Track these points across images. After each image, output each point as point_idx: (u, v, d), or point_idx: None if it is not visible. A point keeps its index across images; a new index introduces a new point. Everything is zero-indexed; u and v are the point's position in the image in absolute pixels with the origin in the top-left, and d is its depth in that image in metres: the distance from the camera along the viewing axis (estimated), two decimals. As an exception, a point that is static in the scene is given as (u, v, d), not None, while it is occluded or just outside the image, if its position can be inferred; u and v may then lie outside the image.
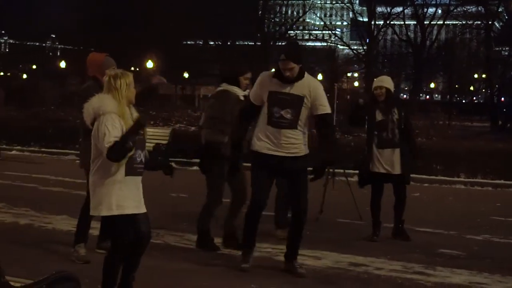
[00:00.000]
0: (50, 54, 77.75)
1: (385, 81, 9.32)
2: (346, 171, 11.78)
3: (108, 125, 5.44)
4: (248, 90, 7.94)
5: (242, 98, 7.96)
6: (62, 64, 62.18)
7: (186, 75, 61.96)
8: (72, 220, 9.72)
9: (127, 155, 5.47)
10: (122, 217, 5.56)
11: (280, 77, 7.01)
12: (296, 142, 7.04)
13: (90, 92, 6.14)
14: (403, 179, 9.19)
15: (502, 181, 16.57)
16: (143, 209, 5.72)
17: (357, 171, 12.39)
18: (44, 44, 76.07)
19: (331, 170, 11.34)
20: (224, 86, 8.20)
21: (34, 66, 65.34)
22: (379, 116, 9.12)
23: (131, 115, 5.63)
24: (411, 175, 9.69)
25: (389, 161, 9.07)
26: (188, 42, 61.51)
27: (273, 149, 7.02)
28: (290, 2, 68.45)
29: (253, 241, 7.33)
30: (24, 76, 61.72)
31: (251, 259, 7.31)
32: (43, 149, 22.16)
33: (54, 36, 77.18)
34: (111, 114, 5.49)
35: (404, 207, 9.32)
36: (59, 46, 78.10)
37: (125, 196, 5.54)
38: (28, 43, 69.16)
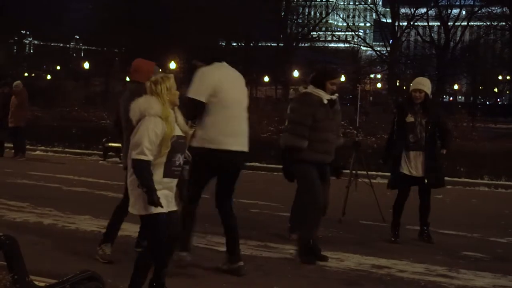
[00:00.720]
0: (74, 55, 78.18)
1: (426, 85, 9.28)
2: (369, 172, 11.73)
3: (150, 130, 5.51)
4: (337, 94, 7.88)
5: (325, 102, 7.73)
6: (86, 65, 62.55)
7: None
8: (95, 220, 9.81)
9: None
10: (158, 215, 5.60)
11: None
12: None
13: (134, 95, 6.12)
14: (430, 182, 9.17)
15: (526, 184, 16.44)
16: (174, 207, 5.82)
17: (379, 173, 12.33)
18: (68, 45, 76.50)
19: (353, 171, 11.30)
20: (309, 89, 7.90)
21: (58, 67, 65.74)
22: (409, 118, 9.11)
23: (176, 118, 5.74)
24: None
25: (415, 164, 9.08)
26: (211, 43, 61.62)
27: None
28: (313, 3, 68.39)
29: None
30: (48, 77, 62.10)
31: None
32: (66, 150, 22.33)
33: (78, 37, 77.61)
34: (156, 117, 5.57)
35: (428, 210, 9.29)
36: (83, 47, 78.53)
37: (161, 196, 5.55)
38: (52, 44, 69.56)
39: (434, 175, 9.18)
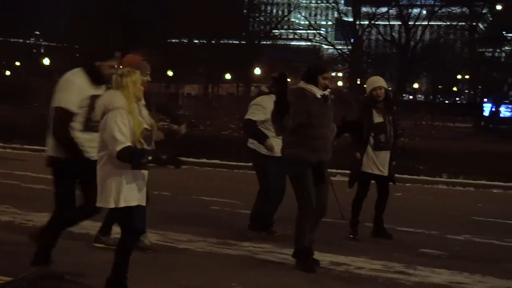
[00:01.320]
0: (34, 51, 77.28)
1: (383, 82, 9.34)
2: (329, 170, 11.75)
3: (118, 121, 5.61)
4: (329, 90, 7.71)
5: (319, 96, 7.52)
6: (46, 61, 61.86)
7: (170, 73, 61.77)
8: (53, 218, 9.69)
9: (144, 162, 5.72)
10: (129, 208, 5.73)
11: None
12: None
13: None
14: (391, 179, 9.32)
15: (483, 182, 16.67)
16: (143, 203, 5.92)
17: (339, 170, 12.31)
18: (28, 41, 75.64)
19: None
20: (301, 84, 7.65)
21: (18, 63, 64.91)
22: (377, 118, 9.11)
23: (140, 112, 5.85)
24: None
25: (383, 163, 9.15)
26: (173, 40, 61.37)
27: None
28: (275, 1, 68.56)
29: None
30: (7, 73, 61.33)
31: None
32: (25, 146, 22.05)
33: (38, 33, 76.76)
34: (120, 110, 5.65)
35: (385, 207, 9.40)
36: (43, 43, 77.69)
37: (131, 189, 5.73)
38: (11, 40, 68.70)
39: (394, 173, 9.37)
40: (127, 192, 5.72)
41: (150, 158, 5.75)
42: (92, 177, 6.03)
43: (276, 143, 8.56)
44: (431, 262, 8.04)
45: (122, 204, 5.71)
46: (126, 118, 5.64)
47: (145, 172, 5.89)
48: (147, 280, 6.64)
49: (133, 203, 5.76)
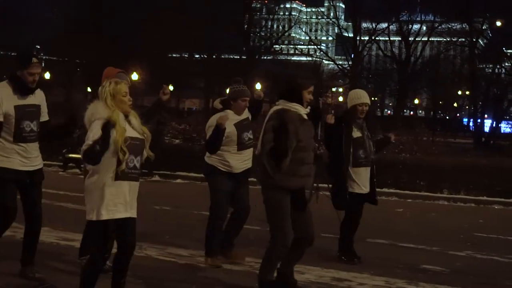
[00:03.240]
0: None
1: (368, 98, 8.90)
2: (330, 185, 11.71)
3: (94, 130, 5.50)
4: (309, 107, 6.84)
5: (305, 117, 6.71)
6: (47, 75, 61.87)
7: (171, 87, 61.78)
8: (54, 232, 9.69)
9: (99, 158, 5.49)
10: (110, 222, 5.59)
11: None
12: None
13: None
14: (373, 198, 8.91)
15: (484, 198, 16.67)
16: (133, 215, 5.75)
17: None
18: (29, 55, 75.75)
19: (315, 184, 11.28)
20: (282, 104, 6.75)
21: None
22: (356, 133, 8.72)
23: (129, 122, 5.73)
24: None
25: (363, 180, 8.74)
26: (174, 55, 61.48)
27: None
28: (275, 16, 68.62)
29: None
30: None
31: None
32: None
33: (38, 47, 76.83)
34: (101, 120, 5.55)
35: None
36: (44, 57, 77.76)
37: (115, 201, 5.58)
38: (12, 54, 68.81)
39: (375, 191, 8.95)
40: (110, 204, 5.58)
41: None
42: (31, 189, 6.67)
43: (236, 159, 8.17)
44: (433, 278, 8.02)
45: (105, 217, 5.56)
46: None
47: (132, 183, 5.72)
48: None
49: (118, 215, 5.62)
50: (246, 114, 8.29)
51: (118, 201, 5.60)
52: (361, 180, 8.72)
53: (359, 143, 8.67)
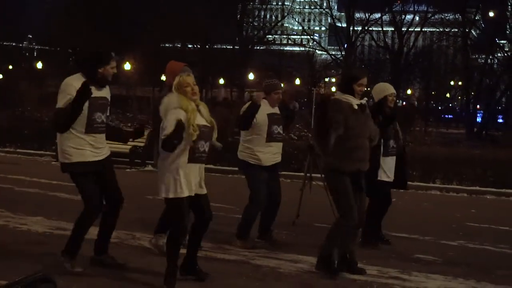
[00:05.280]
0: (27, 54, 77.04)
1: (393, 88, 9.23)
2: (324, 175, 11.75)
3: (170, 120, 6.27)
4: (365, 99, 7.60)
5: (356, 107, 7.40)
6: (39, 65, 61.71)
7: (163, 78, 61.58)
8: (47, 222, 9.70)
9: (175, 148, 6.28)
10: (183, 200, 6.41)
11: None
12: None
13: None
14: (402, 183, 9.46)
15: (477, 188, 16.74)
16: (204, 191, 6.66)
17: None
18: (21, 45, 75.44)
19: (308, 174, 11.34)
20: (337, 95, 7.56)
21: (11, 67, 64.71)
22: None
23: (199, 110, 6.54)
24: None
25: (392, 168, 9.10)
26: (167, 45, 61.35)
27: None
28: (268, 6, 68.59)
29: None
30: (0, 76, 61.18)
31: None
32: (18, 150, 22.04)
33: (30, 36, 76.63)
34: (176, 109, 6.35)
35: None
36: (36, 47, 77.55)
37: (187, 181, 6.40)
38: (4, 43, 68.51)
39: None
40: (183, 183, 6.37)
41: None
42: (106, 176, 6.89)
43: (267, 151, 8.63)
44: (426, 268, 8.06)
45: (179, 195, 6.36)
46: (182, 114, 6.28)
47: (201, 165, 6.56)
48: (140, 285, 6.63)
49: (191, 193, 6.43)
50: (278, 110, 8.86)
51: (193, 180, 6.44)
52: (388, 168, 9.09)
53: (388, 134, 8.99)
